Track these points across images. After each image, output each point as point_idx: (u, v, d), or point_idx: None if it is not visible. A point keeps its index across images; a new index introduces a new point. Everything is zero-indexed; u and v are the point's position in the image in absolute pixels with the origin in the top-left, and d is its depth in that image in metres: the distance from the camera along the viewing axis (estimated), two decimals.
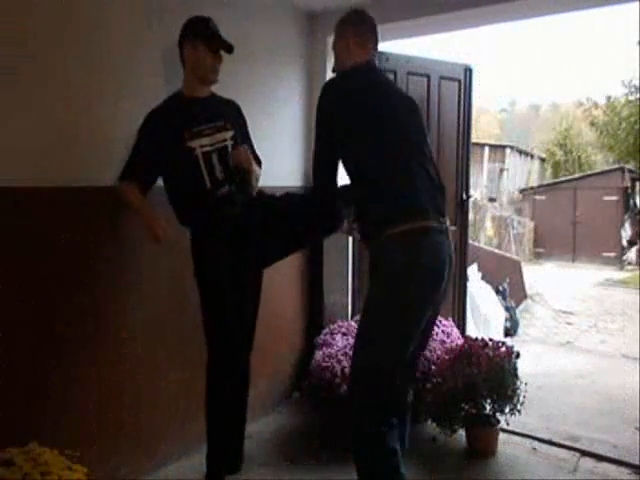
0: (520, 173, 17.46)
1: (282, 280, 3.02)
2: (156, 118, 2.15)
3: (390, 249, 1.77)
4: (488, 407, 2.64)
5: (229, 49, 2.20)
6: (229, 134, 2.21)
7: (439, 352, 2.81)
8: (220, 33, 2.20)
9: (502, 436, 2.77)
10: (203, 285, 2.20)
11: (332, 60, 3.27)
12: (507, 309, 5.77)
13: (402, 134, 1.93)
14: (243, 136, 2.31)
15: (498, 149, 16.97)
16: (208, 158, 2.15)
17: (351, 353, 2.69)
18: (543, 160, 19.97)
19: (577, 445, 2.78)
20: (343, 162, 1.98)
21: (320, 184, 2.03)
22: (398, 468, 1.80)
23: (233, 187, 2.18)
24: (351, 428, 1.83)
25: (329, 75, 3.28)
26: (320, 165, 2.01)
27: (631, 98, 14.59)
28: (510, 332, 5.61)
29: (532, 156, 19.08)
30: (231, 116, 2.28)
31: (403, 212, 1.79)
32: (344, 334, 3.03)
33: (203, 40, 2.15)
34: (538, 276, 9.44)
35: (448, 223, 1.89)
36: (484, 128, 29.70)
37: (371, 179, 1.88)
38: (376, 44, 2.11)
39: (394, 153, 1.89)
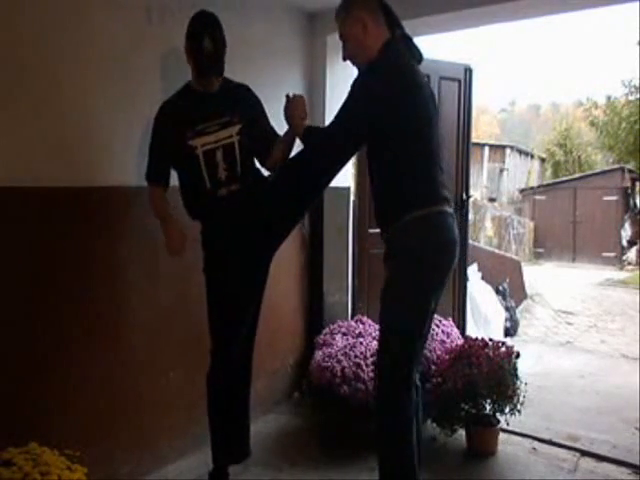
0: (520, 173, 17.45)
1: (282, 280, 3.01)
2: (164, 114, 2.14)
3: (410, 231, 1.89)
4: (488, 407, 2.64)
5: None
6: (236, 129, 2.17)
7: (439, 352, 2.81)
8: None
9: (502, 436, 2.77)
10: (209, 280, 2.20)
11: (332, 60, 3.31)
12: (507, 309, 5.76)
13: (431, 128, 1.96)
14: (258, 117, 2.26)
15: (498, 149, 16.97)
16: (211, 156, 2.12)
17: (351, 353, 2.73)
18: (543, 160, 19.94)
19: (577, 445, 2.78)
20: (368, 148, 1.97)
21: (327, 164, 2.02)
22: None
23: (237, 185, 2.14)
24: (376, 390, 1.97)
25: (329, 75, 3.29)
26: (339, 143, 1.95)
27: (631, 98, 14.59)
28: (510, 332, 5.60)
29: (532, 156, 19.04)
30: (239, 106, 2.21)
31: (422, 198, 1.90)
32: (344, 334, 3.03)
33: None
34: (538, 276, 9.41)
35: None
36: (484, 128, 29.71)
37: (397, 169, 1.91)
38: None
39: (424, 147, 1.93)
